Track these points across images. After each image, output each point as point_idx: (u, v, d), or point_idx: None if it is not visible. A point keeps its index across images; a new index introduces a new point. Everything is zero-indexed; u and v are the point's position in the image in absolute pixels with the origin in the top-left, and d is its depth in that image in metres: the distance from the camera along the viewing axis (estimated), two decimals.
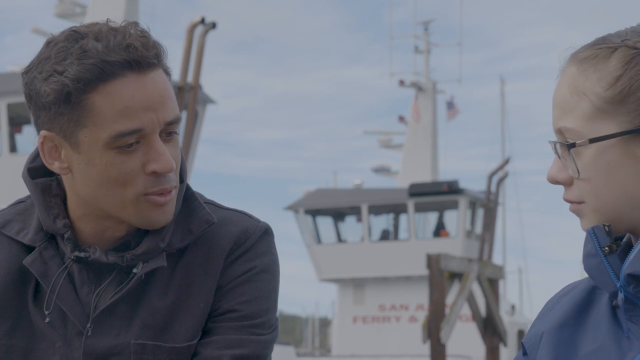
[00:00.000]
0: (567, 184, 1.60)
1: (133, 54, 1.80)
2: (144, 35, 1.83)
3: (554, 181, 1.61)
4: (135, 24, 1.84)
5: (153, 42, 1.84)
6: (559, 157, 1.60)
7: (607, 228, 1.58)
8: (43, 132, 1.86)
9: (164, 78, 1.86)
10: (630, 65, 1.54)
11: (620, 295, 1.57)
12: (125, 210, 1.86)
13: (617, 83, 1.54)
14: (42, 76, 1.81)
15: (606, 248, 1.57)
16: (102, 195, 1.86)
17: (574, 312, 1.67)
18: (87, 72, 1.79)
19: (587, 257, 1.59)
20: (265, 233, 1.99)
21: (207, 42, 17.09)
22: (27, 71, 1.85)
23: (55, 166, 1.88)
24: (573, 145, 1.56)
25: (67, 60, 1.79)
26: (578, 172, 1.56)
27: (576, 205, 1.60)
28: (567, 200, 1.61)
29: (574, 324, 1.66)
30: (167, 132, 1.87)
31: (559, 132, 1.59)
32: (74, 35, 1.83)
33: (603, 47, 1.57)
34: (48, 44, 1.85)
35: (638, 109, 1.53)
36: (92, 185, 1.85)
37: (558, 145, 1.59)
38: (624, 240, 1.61)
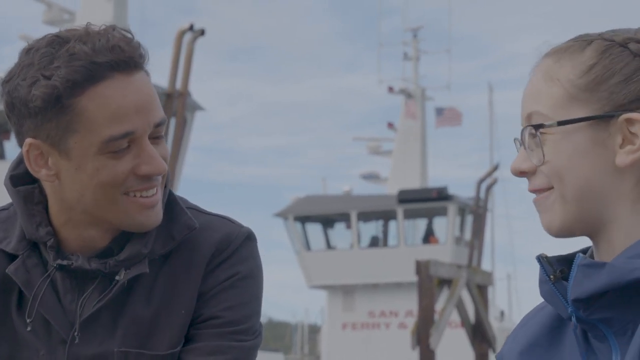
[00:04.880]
0: (531, 172, 1.59)
1: (120, 54, 1.79)
2: (128, 37, 1.83)
3: (517, 172, 1.60)
4: (116, 26, 1.83)
5: (137, 43, 1.83)
6: (525, 148, 1.59)
7: (544, 259, 1.59)
8: (28, 140, 1.83)
9: (148, 79, 1.86)
10: (604, 55, 1.55)
11: (573, 320, 1.57)
12: (113, 212, 1.86)
13: (590, 71, 1.55)
14: (27, 82, 1.79)
15: (552, 276, 1.57)
16: (90, 198, 1.84)
17: (546, 330, 1.66)
18: (76, 74, 1.77)
19: (541, 284, 1.60)
20: (248, 238, 1.98)
21: (202, 50, 17.10)
22: (8, 80, 1.83)
23: (42, 174, 1.86)
24: (541, 125, 1.56)
25: (53, 64, 1.78)
26: (543, 155, 1.56)
27: (542, 196, 1.58)
28: (533, 190, 1.60)
29: (547, 343, 1.65)
30: (155, 135, 1.86)
31: (528, 118, 1.59)
32: (57, 40, 1.81)
33: (579, 40, 1.59)
34: (28, 51, 1.82)
35: (609, 97, 1.53)
36: (80, 189, 1.84)
37: (526, 132, 1.59)
38: (587, 254, 1.60)
